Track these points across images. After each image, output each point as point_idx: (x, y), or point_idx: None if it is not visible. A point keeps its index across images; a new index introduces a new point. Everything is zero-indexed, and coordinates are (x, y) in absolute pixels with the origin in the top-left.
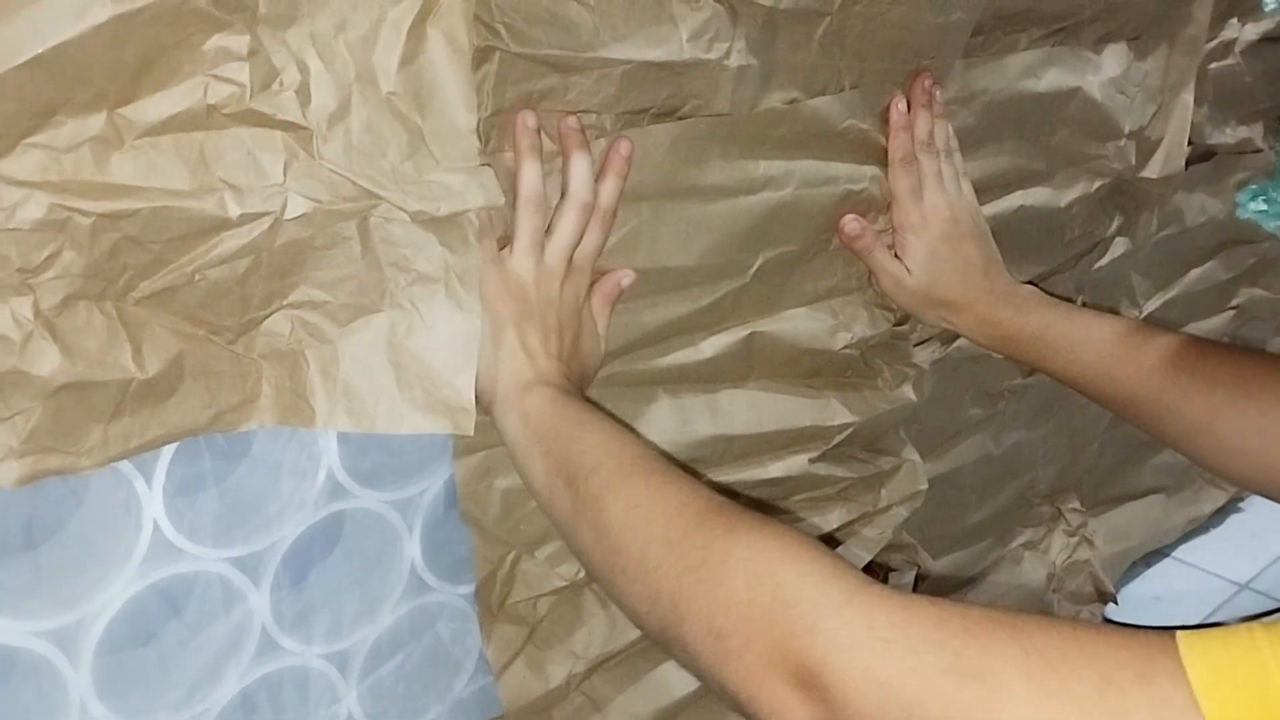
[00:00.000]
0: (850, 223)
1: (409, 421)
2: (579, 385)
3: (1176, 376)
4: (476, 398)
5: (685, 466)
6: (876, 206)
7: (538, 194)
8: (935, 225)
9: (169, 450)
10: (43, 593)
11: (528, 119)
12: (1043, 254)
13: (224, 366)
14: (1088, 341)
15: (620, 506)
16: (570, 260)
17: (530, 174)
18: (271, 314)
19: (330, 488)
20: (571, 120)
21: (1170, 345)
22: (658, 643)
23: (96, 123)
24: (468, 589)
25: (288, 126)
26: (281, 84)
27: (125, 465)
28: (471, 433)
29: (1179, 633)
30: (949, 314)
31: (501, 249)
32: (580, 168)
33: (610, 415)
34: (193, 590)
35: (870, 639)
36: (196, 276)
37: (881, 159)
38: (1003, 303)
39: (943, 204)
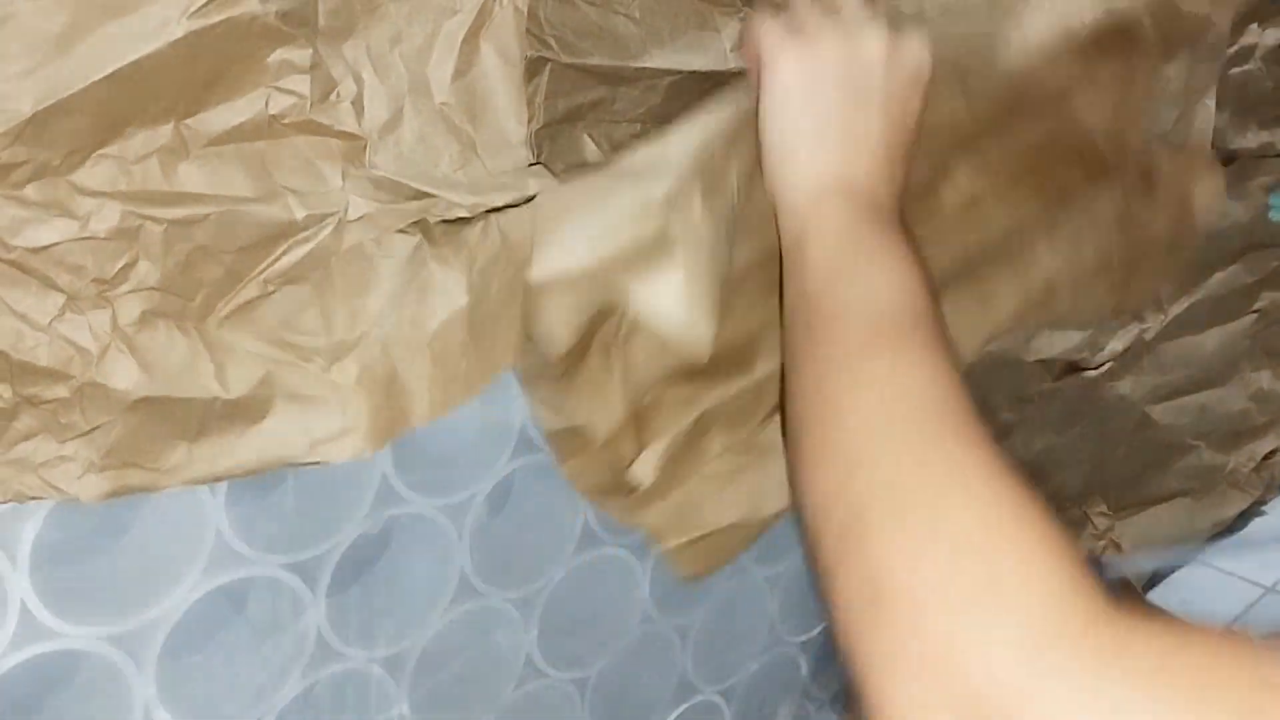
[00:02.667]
0: None
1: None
2: (900, 190)
3: None
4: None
5: None
6: None
7: None
8: None
9: None
10: (108, 597)
11: None
12: None
13: (319, 391)
14: None
15: (845, 383)
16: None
17: None
18: (360, 337)
19: (384, 493)
20: None
21: None
22: (819, 575)
23: (165, 133)
24: (515, 594)
25: (344, 136)
26: (339, 95)
27: None
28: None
29: None
30: None
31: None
32: None
33: (915, 252)
34: (253, 596)
35: (1119, 680)
36: (269, 287)
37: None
38: None
39: None
